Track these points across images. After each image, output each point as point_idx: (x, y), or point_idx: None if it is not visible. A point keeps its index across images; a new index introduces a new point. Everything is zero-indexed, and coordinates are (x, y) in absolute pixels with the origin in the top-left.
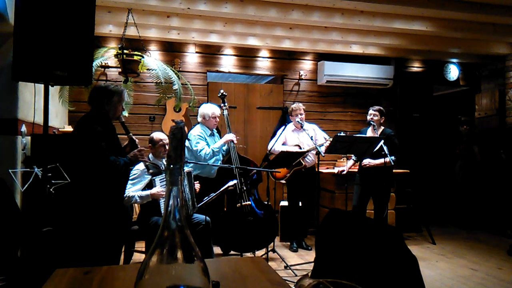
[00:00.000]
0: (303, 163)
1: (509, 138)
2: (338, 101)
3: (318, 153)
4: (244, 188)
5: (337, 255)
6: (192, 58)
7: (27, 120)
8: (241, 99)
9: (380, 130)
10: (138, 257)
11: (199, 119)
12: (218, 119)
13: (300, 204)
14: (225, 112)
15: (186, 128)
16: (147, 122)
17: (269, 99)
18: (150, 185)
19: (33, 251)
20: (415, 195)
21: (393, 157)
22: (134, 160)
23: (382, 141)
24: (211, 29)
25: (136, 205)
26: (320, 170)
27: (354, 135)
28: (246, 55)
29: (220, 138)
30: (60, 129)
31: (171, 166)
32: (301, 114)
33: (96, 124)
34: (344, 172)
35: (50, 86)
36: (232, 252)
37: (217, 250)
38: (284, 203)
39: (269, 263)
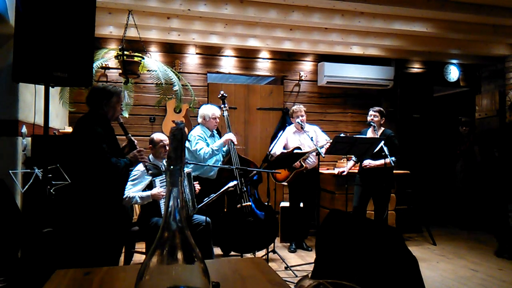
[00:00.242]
0: (304, 165)
1: (502, 137)
2: (338, 102)
3: (318, 154)
4: (245, 189)
5: (337, 256)
6: (192, 59)
7: (27, 121)
8: (241, 100)
9: (381, 131)
10: (139, 258)
11: (199, 120)
12: (218, 120)
13: (302, 205)
14: (225, 113)
15: (186, 129)
16: (148, 123)
17: (269, 100)
18: (150, 186)
19: (34, 252)
20: (416, 196)
21: (393, 158)
22: (134, 161)
23: (383, 142)
24: (211, 30)
25: (136, 206)
26: (320, 171)
27: (354, 136)
28: (246, 56)
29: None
30: (60, 130)
31: (172, 167)
32: (302, 116)
33: (96, 125)
34: (345, 173)
35: (50, 87)
36: (232, 253)
37: (217, 250)
38: (285, 204)
39: (270, 264)
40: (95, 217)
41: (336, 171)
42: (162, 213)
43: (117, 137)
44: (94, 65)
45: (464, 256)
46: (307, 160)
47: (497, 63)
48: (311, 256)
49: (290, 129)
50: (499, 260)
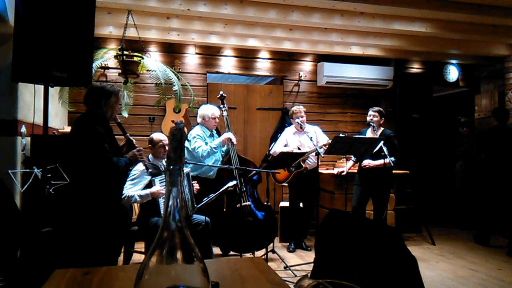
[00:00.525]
0: (304, 165)
1: (489, 139)
2: (338, 102)
3: (317, 154)
4: (244, 188)
5: (337, 256)
6: (192, 59)
7: (26, 121)
8: (241, 100)
9: (380, 131)
10: (138, 257)
11: (199, 120)
12: (217, 120)
13: (301, 205)
14: (225, 113)
15: (185, 129)
16: (147, 123)
17: (268, 100)
18: (149, 186)
19: (33, 251)
20: (415, 196)
21: (392, 158)
22: (134, 160)
23: (382, 142)
24: (211, 30)
25: (135, 205)
26: (320, 171)
27: (354, 136)
28: (246, 56)
29: None
30: (59, 130)
31: (171, 167)
32: (301, 117)
33: (97, 125)
34: (344, 173)
35: (49, 87)
36: (231, 253)
37: (216, 250)
38: (284, 203)
39: (269, 263)
40: (94, 216)
41: (335, 171)
42: (162, 212)
43: (115, 136)
44: (94, 65)
45: (464, 256)
46: (307, 160)
47: (497, 63)
48: (310, 256)
49: (290, 129)
50: (498, 260)
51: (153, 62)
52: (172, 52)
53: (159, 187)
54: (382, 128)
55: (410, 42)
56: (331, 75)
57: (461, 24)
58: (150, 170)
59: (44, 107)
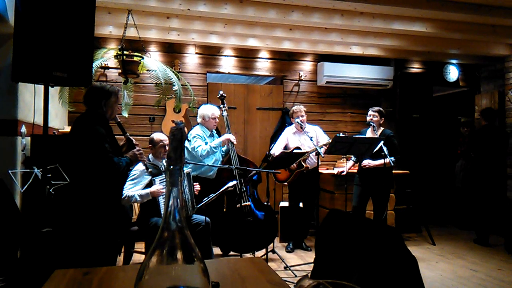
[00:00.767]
0: (305, 165)
1: (478, 139)
2: (338, 102)
3: (317, 153)
4: (244, 188)
5: (337, 256)
6: (192, 59)
7: (27, 121)
8: (241, 100)
9: (380, 131)
10: (138, 257)
11: (199, 120)
12: (217, 120)
13: (301, 205)
14: (225, 113)
15: (185, 129)
16: (147, 123)
17: (269, 100)
18: (150, 186)
19: (33, 251)
20: (415, 196)
21: (392, 158)
22: (134, 160)
23: (382, 142)
24: (211, 30)
25: (135, 205)
26: (320, 170)
27: (354, 136)
28: (246, 56)
29: None
30: (60, 130)
31: (171, 167)
32: (302, 116)
33: (97, 125)
34: (344, 173)
35: (50, 87)
36: (231, 253)
37: (216, 250)
38: (284, 204)
39: (269, 263)
40: (95, 217)
41: (335, 171)
42: (162, 213)
43: (115, 136)
44: (94, 64)
45: (464, 256)
46: (307, 160)
47: (497, 63)
48: (310, 256)
49: (290, 129)
50: (498, 260)
51: (153, 62)
52: (172, 52)
53: (159, 185)
54: (382, 128)
55: (410, 42)
56: (331, 75)
57: (461, 24)
58: (150, 170)
59: (44, 107)
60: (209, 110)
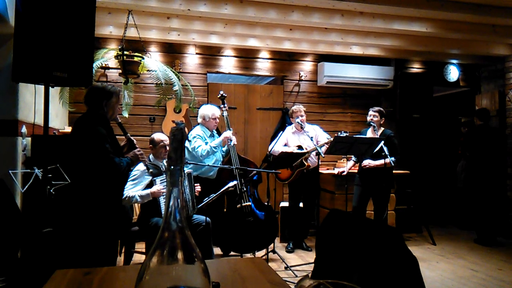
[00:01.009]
0: (306, 163)
1: (472, 139)
2: (338, 102)
3: (318, 153)
4: (244, 189)
5: (337, 256)
6: (192, 59)
7: (27, 121)
8: (241, 100)
9: (380, 131)
10: (138, 258)
11: (199, 120)
12: (218, 120)
13: (301, 205)
14: (225, 113)
15: (186, 129)
16: (147, 123)
17: (269, 100)
18: (150, 186)
19: (33, 252)
20: (415, 196)
21: (393, 158)
22: (135, 160)
23: (382, 142)
24: (211, 30)
25: (136, 206)
26: (320, 171)
27: (354, 136)
28: (246, 56)
29: None
30: (60, 130)
31: (172, 167)
32: (301, 116)
33: (98, 125)
34: (344, 173)
35: (50, 87)
36: (232, 253)
37: (217, 250)
38: (285, 204)
39: (269, 264)
40: (95, 217)
41: (336, 171)
42: (162, 213)
43: (116, 137)
44: (94, 65)
45: (464, 256)
46: (308, 159)
47: (497, 63)
48: (311, 256)
49: (290, 129)
50: (498, 260)
51: (153, 62)
52: (173, 52)
53: (159, 186)
54: (382, 128)
55: (411, 42)
56: (332, 75)
57: (461, 24)
58: (151, 170)
59: (44, 107)
60: (209, 110)
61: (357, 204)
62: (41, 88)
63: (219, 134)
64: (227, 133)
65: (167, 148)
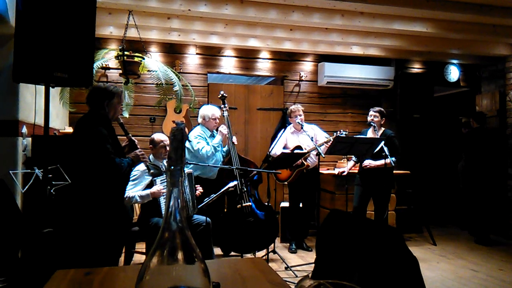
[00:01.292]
0: (306, 163)
1: (469, 141)
2: (339, 102)
3: (318, 154)
4: (245, 189)
5: (338, 256)
6: (192, 60)
7: (27, 121)
8: (241, 100)
9: (381, 131)
10: (139, 258)
11: (199, 120)
12: (218, 121)
13: (301, 205)
14: (225, 113)
15: (186, 129)
16: (148, 123)
17: (269, 100)
18: (150, 186)
19: (34, 252)
20: (416, 196)
21: (393, 158)
22: (136, 160)
23: (383, 142)
24: (211, 31)
25: (136, 206)
26: (320, 171)
27: (355, 136)
28: (247, 57)
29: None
30: (60, 130)
31: (172, 167)
32: (300, 115)
33: (100, 125)
34: (345, 173)
35: (50, 88)
36: (232, 253)
37: (217, 251)
38: (285, 204)
39: (270, 264)
40: (96, 217)
41: (336, 171)
42: (162, 213)
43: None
44: (95, 65)
45: (465, 257)
46: (308, 159)
47: (497, 63)
48: (311, 256)
49: (289, 129)
50: (499, 260)
51: (154, 63)
52: (173, 52)
53: (159, 186)
54: (383, 128)
55: (411, 42)
56: (332, 75)
57: (462, 24)
58: (151, 170)
59: (45, 107)
60: (209, 111)
61: (357, 204)
62: (41, 88)
63: None
64: (223, 128)
65: (167, 148)
